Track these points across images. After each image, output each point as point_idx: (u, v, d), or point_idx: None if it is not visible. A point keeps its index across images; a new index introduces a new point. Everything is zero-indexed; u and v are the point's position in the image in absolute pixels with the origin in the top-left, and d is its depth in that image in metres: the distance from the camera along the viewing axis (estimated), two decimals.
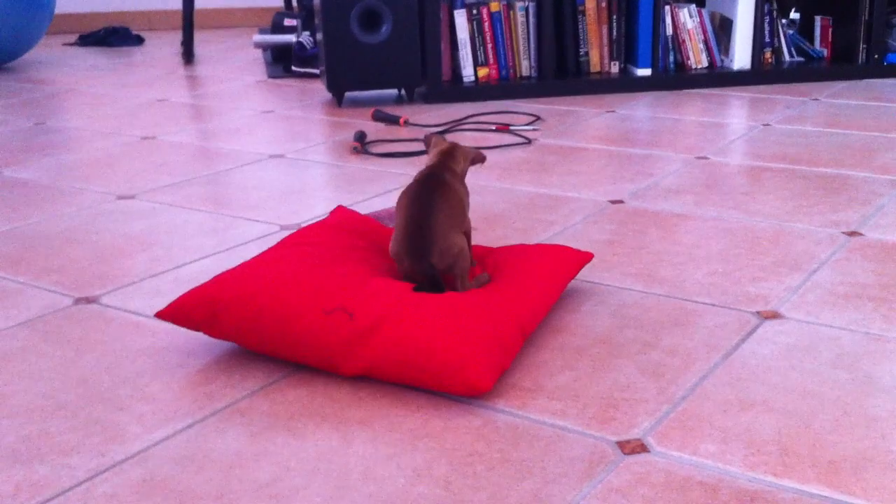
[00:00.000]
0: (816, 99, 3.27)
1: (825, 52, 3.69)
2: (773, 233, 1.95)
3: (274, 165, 2.60)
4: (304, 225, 2.09)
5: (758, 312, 1.58)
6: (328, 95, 3.60)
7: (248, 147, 2.81)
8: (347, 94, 3.49)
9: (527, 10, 3.43)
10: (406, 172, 2.48)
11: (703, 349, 1.45)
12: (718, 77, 3.52)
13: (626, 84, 3.47)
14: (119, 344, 1.53)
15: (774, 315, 1.56)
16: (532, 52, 3.47)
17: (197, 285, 1.51)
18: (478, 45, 3.43)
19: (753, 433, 1.22)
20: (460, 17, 3.39)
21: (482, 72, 3.44)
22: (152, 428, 1.28)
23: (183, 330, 1.57)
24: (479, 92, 3.40)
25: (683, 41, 3.55)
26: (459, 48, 3.42)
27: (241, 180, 2.46)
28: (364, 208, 2.18)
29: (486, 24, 3.41)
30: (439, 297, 1.43)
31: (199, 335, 1.55)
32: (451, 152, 1.66)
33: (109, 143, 2.90)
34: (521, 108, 3.25)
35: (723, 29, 3.60)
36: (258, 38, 4.22)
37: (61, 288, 1.77)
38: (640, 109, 3.18)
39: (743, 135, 2.79)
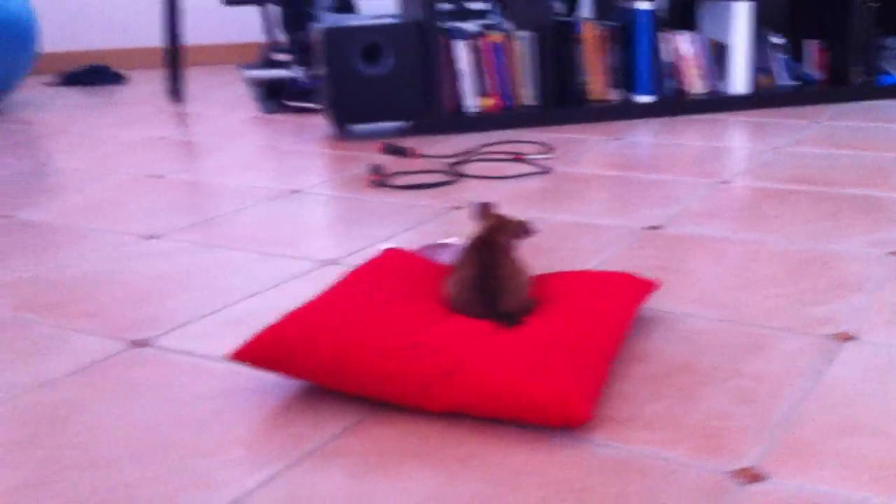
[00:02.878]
0: (818, 122, 3.30)
1: (816, 76, 3.73)
2: (818, 255, 1.95)
3: (294, 200, 2.56)
4: (344, 260, 2.06)
5: (832, 335, 1.57)
6: (329, 129, 3.57)
7: (261, 182, 2.77)
8: (351, 127, 3.46)
9: (527, 39, 3.43)
10: (430, 205, 2.46)
11: (788, 375, 1.44)
12: (717, 102, 3.55)
13: (627, 111, 3.49)
14: (180, 388, 1.49)
15: (849, 337, 1.56)
16: (533, 82, 3.47)
17: (266, 325, 1.47)
18: (479, 75, 3.43)
19: (868, 457, 1.21)
20: (461, 49, 3.38)
21: (485, 102, 3.44)
22: (244, 474, 1.24)
23: (245, 371, 1.53)
24: (483, 122, 3.39)
25: (681, 67, 3.58)
26: (461, 79, 3.41)
27: (264, 216, 2.42)
28: (399, 242, 2.15)
29: (487, 55, 3.41)
30: (518, 330, 1.41)
31: (263, 376, 1.51)
32: (502, 226, 1.64)
33: (114, 183, 2.85)
34: (527, 137, 3.25)
35: (716, 54, 3.63)
36: (250, 73, 4.18)
37: (107, 332, 1.72)
38: (647, 136, 3.19)
39: (757, 158, 2.80)
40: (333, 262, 2.05)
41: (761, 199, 2.37)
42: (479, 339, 1.38)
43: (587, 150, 3.02)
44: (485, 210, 1.68)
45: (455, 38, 3.38)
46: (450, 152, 3.06)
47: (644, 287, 1.63)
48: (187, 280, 1.97)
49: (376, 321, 1.43)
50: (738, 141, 3.05)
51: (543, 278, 1.67)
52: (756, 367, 1.47)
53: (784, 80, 3.71)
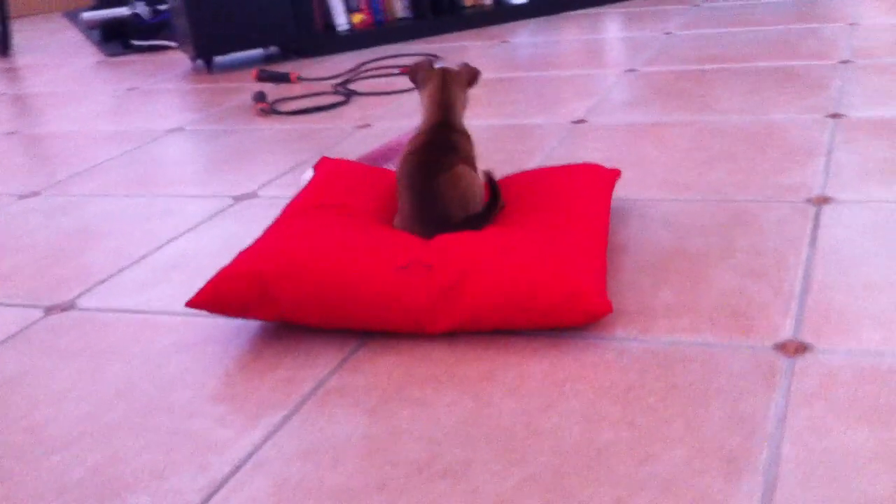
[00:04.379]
0: (697, 5, 3.27)
1: None
2: (760, 127, 1.89)
3: (179, 139, 2.34)
4: (262, 191, 1.88)
5: (808, 200, 1.51)
6: (190, 65, 3.31)
7: (134, 125, 2.53)
8: (214, 59, 3.20)
9: None
10: (330, 127, 2.28)
11: (784, 245, 1.37)
12: None
13: (503, 15, 3.37)
14: (136, 347, 1.30)
15: (825, 200, 1.50)
16: None
17: (224, 266, 1.29)
18: None
19: None
20: None
21: (356, 18, 3.25)
22: (243, 429, 1.08)
23: (198, 322, 1.35)
24: (356, 39, 3.21)
25: None
26: None
27: (153, 158, 2.19)
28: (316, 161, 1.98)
29: None
30: (507, 236, 1.28)
31: (221, 323, 1.34)
32: (447, 88, 1.49)
33: None
34: (410, 51, 3.09)
35: None
36: (88, 15, 3.84)
37: (21, 299, 1.50)
38: (532, 36, 3.08)
39: (653, 44, 2.74)
40: (251, 195, 1.87)
41: (676, 82, 2.31)
42: (473, 248, 1.25)
43: (477, 55, 2.89)
44: (425, 72, 1.52)
45: None
46: (330, 74, 2.88)
47: (610, 175, 1.53)
48: (92, 233, 1.75)
49: (352, 246, 1.27)
50: (626, 31, 2.98)
51: (508, 179, 1.55)
52: (748, 241, 1.39)
53: None
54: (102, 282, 1.53)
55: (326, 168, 1.58)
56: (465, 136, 1.47)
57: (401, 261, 1.24)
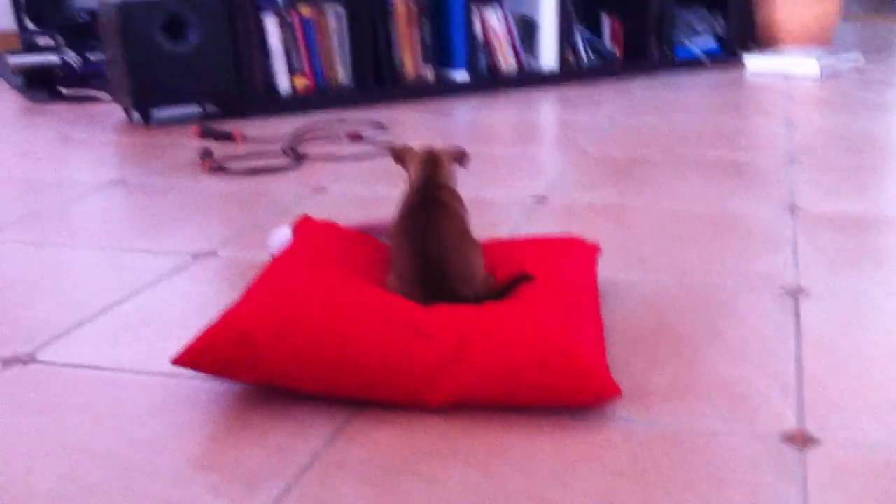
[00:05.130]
0: (634, 93, 3.35)
1: (616, 51, 3.81)
2: (722, 214, 1.93)
3: (124, 191, 2.26)
4: (222, 251, 1.82)
5: (784, 290, 1.54)
6: (122, 116, 3.22)
7: (73, 175, 2.43)
8: (149, 113, 3.12)
9: (339, 13, 3.26)
10: (283, 188, 2.24)
11: (769, 330, 1.39)
12: (529, 78, 3.53)
13: (444, 88, 3.40)
14: (107, 406, 1.23)
15: (801, 290, 1.53)
16: (347, 60, 3.30)
17: (213, 322, 1.24)
18: (291, 52, 3.21)
19: None
20: (271, 24, 3.16)
21: (298, 82, 3.23)
22: (240, 499, 1.02)
23: (176, 382, 1.29)
24: (297, 103, 3.18)
25: (493, 43, 3.53)
26: (272, 57, 3.18)
27: (96, 210, 2.11)
28: (270, 229, 1.94)
29: (299, 31, 3.20)
30: (505, 306, 1.26)
31: (200, 384, 1.27)
32: (436, 162, 1.48)
33: None
34: (346, 117, 3.07)
35: (525, 30, 3.62)
36: (15, 59, 3.71)
37: None
38: (475, 112, 3.11)
39: (601, 128, 2.79)
40: (210, 253, 1.81)
41: (628, 166, 2.34)
42: (473, 318, 1.22)
43: (423, 127, 2.89)
44: (409, 151, 1.50)
45: (263, 11, 3.14)
46: (272, 135, 2.84)
47: (592, 249, 1.53)
48: (39, 284, 1.67)
49: (347, 308, 1.23)
50: (568, 114, 3.03)
51: (487, 246, 1.53)
52: (734, 327, 1.41)
53: (587, 55, 3.75)
54: (62, 335, 1.45)
55: (308, 228, 1.54)
56: (455, 194, 1.46)
57: (399, 328, 1.20)
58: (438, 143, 2.67)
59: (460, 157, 1.52)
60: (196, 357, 1.19)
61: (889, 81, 3.42)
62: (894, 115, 2.84)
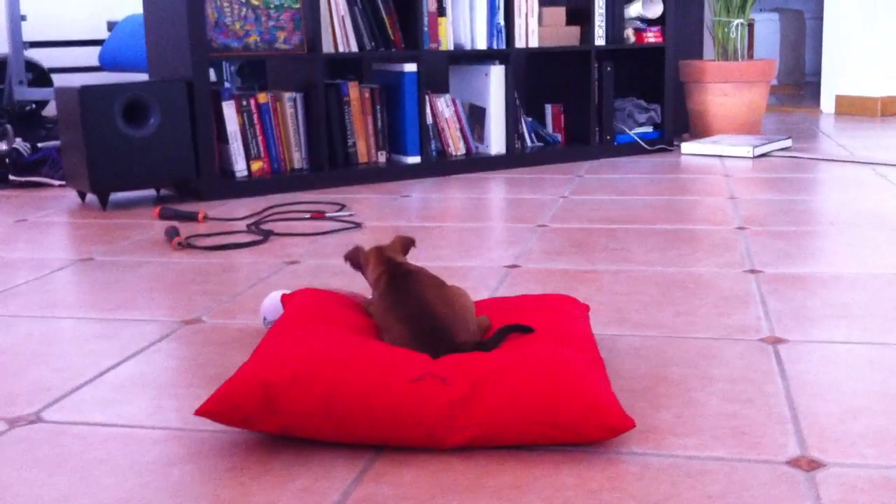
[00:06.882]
0: (580, 175, 3.48)
1: (559, 137, 3.95)
2: (688, 277, 2.02)
3: (92, 268, 2.27)
4: (207, 318, 1.84)
5: (762, 340, 1.62)
6: (76, 201, 3.23)
7: (39, 255, 2.43)
8: (102, 197, 3.13)
9: (295, 100, 3.34)
10: (255, 261, 2.27)
11: (755, 374, 1.46)
12: (477, 162, 3.64)
13: (397, 172, 3.48)
14: (125, 458, 1.23)
15: (779, 340, 1.62)
16: (303, 144, 3.37)
17: (235, 372, 1.26)
18: (249, 137, 3.27)
19: (888, 431, 1.24)
20: (229, 109, 3.22)
21: (255, 165, 3.28)
22: None
23: (188, 434, 1.30)
24: (254, 186, 3.23)
25: (443, 129, 3.64)
26: (230, 141, 3.23)
27: (69, 284, 2.11)
28: (250, 298, 1.96)
29: (256, 116, 3.27)
30: (513, 355, 1.32)
31: (214, 436, 1.29)
32: (390, 249, 1.55)
33: None
34: (303, 199, 3.13)
35: (473, 117, 3.74)
36: None
37: None
38: (430, 193, 3.19)
39: (553, 206, 2.89)
40: (196, 320, 1.82)
41: (589, 237, 2.43)
42: (483, 363, 1.27)
43: (381, 207, 2.96)
44: (363, 253, 1.57)
45: (223, 97, 3.21)
46: (231, 216, 2.87)
47: (583, 308, 1.59)
48: (28, 353, 1.66)
49: (360, 358, 1.27)
50: (520, 194, 3.13)
51: (481, 304, 1.59)
52: (721, 372, 1.48)
53: (531, 141, 3.89)
54: (62, 398, 1.45)
55: (299, 295, 1.58)
56: (418, 266, 1.52)
57: (412, 373, 1.24)
58: (396, 220, 2.73)
59: (407, 245, 1.58)
60: (218, 407, 1.21)
61: (817, 161, 3.61)
62: (829, 190, 3.01)
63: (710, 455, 1.20)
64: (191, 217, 2.79)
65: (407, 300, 1.41)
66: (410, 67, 3.43)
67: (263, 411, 1.22)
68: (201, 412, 1.22)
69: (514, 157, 3.71)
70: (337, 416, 1.22)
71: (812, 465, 1.16)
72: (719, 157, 3.83)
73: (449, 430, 1.21)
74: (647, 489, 1.11)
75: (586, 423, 1.20)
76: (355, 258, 1.58)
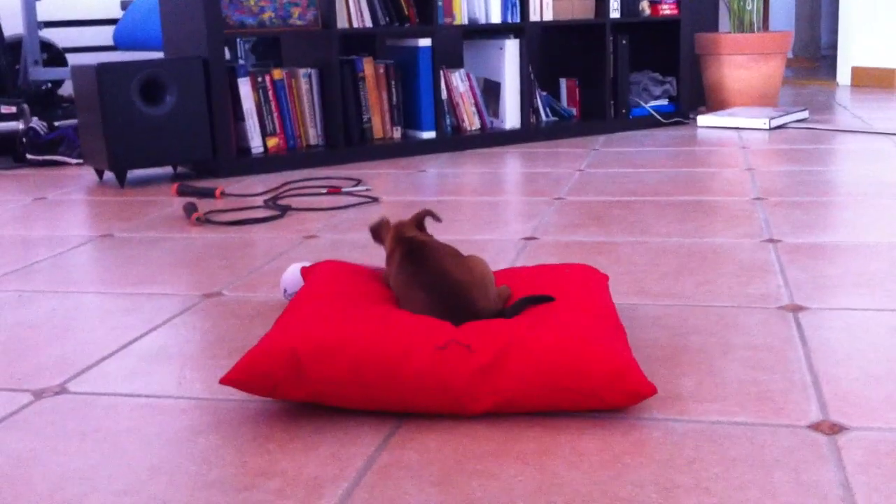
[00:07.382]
0: (595, 149, 3.48)
1: (574, 111, 3.94)
2: (707, 248, 2.02)
3: (115, 244, 2.28)
4: (228, 291, 1.85)
5: (783, 308, 1.62)
6: (93, 178, 3.24)
7: (58, 232, 2.45)
8: (121, 175, 3.14)
9: (310, 77, 3.34)
10: (273, 237, 2.28)
11: (776, 341, 1.46)
12: (492, 137, 3.64)
13: (412, 148, 3.48)
14: (152, 427, 1.25)
15: (799, 308, 1.62)
16: (318, 121, 3.37)
17: (259, 341, 1.27)
18: (264, 114, 3.27)
19: None
20: (245, 86, 3.22)
21: (271, 142, 3.29)
22: (307, 499, 1.05)
23: (214, 403, 1.31)
24: (270, 163, 3.24)
25: (458, 104, 3.63)
26: (246, 118, 3.24)
27: (90, 261, 2.13)
28: (268, 273, 1.97)
29: (271, 93, 3.27)
30: (536, 322, 1.32)
31: (238, 405, 1.30)
32: (405, 224, 1.55)
33: None
34: (321, 175, 3.13)
35: (488, 92, 3.74)
36: None
37: (2, 385, 1.42)
38: (447, 168, 3.19)
39: (570, 179, 2.89)
40: (217, 294, 1.84)
41: (607, 209, 2.44)
42: (509, 329, 1.27)
43: (398, 182, 2.97)
44: (383, 226, 1.57)
45: (238, 74, 3.21)
46: (248, 192, 2.89)
47: (603, 277, 1.60)
48: (52, 327, 1.68)
49: (385, 326, 1.28)
50: (536, 168, 3.13)
51: (501, 273, 1.59)
52: (743, 341, 1.48)
53: (546, 115, 3.88)
54: (86, 370, 1.47)
55: (320, 266, 1.58)
56: (431, 237, 1.52)
57: (438, 341, 1.25)
58: (413, 195, 2.74)
59: (422, 216, 1.57)
60: (244, 375, 1.22)
61: (834, 133, 3.59)
62: (845, 161, 2.99)
63: (732, 420, 1.20)
64: (208, 193, 2.81)
65: (426, 269, 1.41)
66: (425, 42, 3.43)
67: (291, 379, 1.23)
68: (227, 381, 1.23)
69: (529, 132, 3.71)
70: (365, 383, 1.23)
71: (834, 429, 1.17)
72: (736, 129, 3.82)
73: (473, 397, 1.22)
74: (670, 453, 1.12)
75: (609, 388, 1.20)
76: (378, 231, 1.59)
